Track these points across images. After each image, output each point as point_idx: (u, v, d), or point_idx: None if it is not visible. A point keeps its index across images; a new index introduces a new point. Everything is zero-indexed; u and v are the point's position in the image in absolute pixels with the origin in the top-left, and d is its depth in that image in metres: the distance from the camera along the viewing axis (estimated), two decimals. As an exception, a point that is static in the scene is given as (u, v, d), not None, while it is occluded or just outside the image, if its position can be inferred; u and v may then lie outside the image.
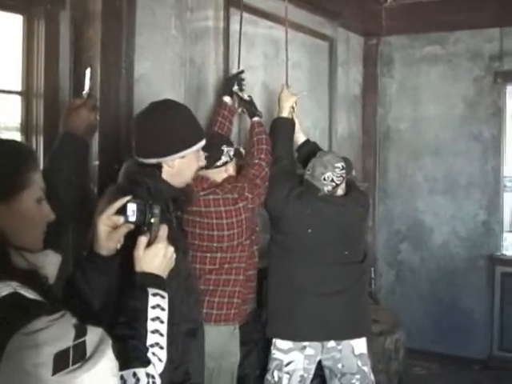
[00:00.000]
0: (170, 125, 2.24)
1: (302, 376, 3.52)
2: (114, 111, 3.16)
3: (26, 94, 3.10)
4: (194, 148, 2.29)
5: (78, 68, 2.99)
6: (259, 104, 4.00)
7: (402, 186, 5.93)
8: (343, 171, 3.45)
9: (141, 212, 1.80)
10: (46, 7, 3.07)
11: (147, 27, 3.41)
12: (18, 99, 3.11)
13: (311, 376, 3.59)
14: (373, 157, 5.92)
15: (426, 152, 5.82)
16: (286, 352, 3.50)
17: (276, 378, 3.51)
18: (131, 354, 1.54)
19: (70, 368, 1.27)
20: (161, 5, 3.53)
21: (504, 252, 5.77)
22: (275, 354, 3.53)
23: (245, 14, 3.84)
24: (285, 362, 3.50)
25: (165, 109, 2.29)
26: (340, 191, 3.53)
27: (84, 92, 2.52)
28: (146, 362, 1.56)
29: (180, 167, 2.26)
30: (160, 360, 1.62)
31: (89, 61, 2.98)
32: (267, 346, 3.62)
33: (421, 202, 5.86)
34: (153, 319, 1.64)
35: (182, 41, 3.69)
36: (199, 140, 2.31)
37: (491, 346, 5.52)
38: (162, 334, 1.65)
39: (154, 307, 1.66)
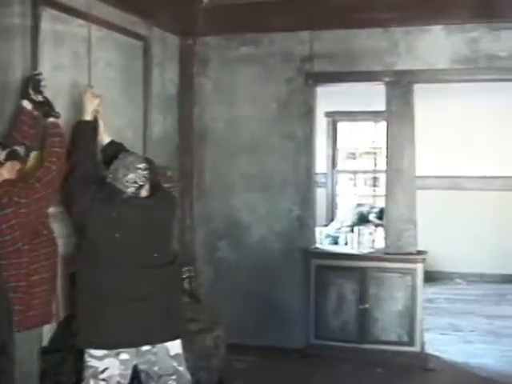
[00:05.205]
0: None
1: (118, 382, 3.47)
2: None
3: None
4: None
5: None
6: (68, 105, 3.91)
7: (218, 184, 5.99)
8: (146, 172, 3.47)
9: None
10: None
11: None
12: None
13: (128, 381, 3.55)
14: (189, 156, 5.92)
15: (242, 151, 5.92)
16: (100, 359, 3.42)
17: None
18: None
19: None
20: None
21: (317, 245, 6.07)
22: (90, 361, 3.44)
23: (54, 12, 3.77)
24: (100, 369, 3.43)
25: None
26: (144, 192, 3.52)
27: None
28: None
29: None
30: None
31: None
32: (82, 353, 3.52)
33: (237, 200, 5.95)
34: None
35: (-13, 38, 3.52)
36: None
37: (308, 335, 5.75)
38: None
39: None
